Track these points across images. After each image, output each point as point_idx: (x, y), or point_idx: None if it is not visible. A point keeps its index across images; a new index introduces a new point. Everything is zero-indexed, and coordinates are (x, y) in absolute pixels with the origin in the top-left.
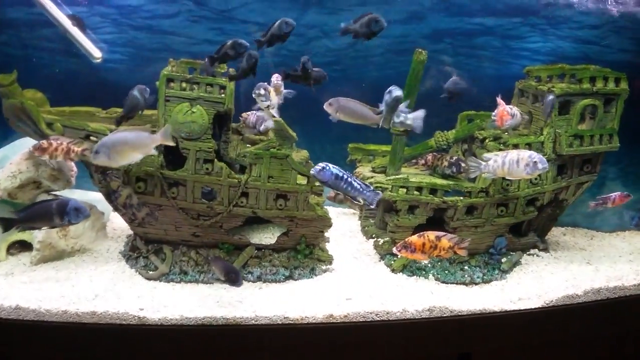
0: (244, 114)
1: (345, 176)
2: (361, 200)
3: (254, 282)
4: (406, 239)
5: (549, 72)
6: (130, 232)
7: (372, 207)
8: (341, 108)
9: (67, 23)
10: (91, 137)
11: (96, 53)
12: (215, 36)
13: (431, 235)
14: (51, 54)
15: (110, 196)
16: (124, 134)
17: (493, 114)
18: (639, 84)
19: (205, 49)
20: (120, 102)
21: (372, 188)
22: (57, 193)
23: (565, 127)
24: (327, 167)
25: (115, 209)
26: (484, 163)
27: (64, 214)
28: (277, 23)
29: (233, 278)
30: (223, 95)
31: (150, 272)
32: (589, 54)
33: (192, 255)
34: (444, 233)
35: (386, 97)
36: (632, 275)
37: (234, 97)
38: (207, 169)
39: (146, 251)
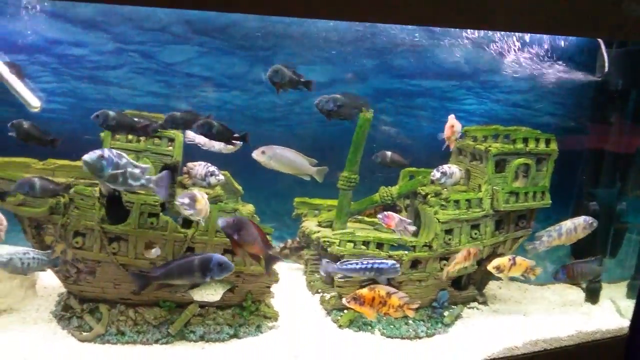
0: (189, 164)
1: None
2: None
3: (196, 341)
4: (357, 291)
5: (484, 132)
6: (62, 290)
7: None
8: (276, 156)
9: (4, 70)
10: None
11: (34, 102)
12: (160, 88)
13: (382, 290)
14: None
15: None
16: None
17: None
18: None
19: (150, 101)
20: (56, 152)
21: None
22: None
23: (501, 184)
24: None
25: None
26: (537, 242)
27: (206, 270)
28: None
29: None
30: (171, 147)
31: (85, 334)
32: (518, 116)
33: (130, 314)
34: (395, 290)
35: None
36: (565, 326)
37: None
38: (151, 223)
39: (80, 310)
